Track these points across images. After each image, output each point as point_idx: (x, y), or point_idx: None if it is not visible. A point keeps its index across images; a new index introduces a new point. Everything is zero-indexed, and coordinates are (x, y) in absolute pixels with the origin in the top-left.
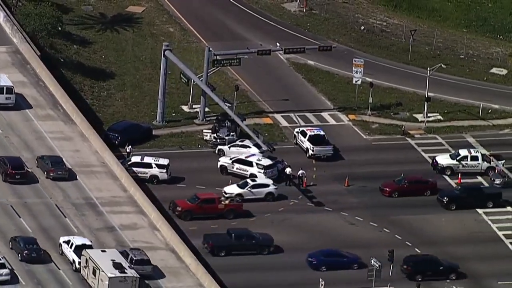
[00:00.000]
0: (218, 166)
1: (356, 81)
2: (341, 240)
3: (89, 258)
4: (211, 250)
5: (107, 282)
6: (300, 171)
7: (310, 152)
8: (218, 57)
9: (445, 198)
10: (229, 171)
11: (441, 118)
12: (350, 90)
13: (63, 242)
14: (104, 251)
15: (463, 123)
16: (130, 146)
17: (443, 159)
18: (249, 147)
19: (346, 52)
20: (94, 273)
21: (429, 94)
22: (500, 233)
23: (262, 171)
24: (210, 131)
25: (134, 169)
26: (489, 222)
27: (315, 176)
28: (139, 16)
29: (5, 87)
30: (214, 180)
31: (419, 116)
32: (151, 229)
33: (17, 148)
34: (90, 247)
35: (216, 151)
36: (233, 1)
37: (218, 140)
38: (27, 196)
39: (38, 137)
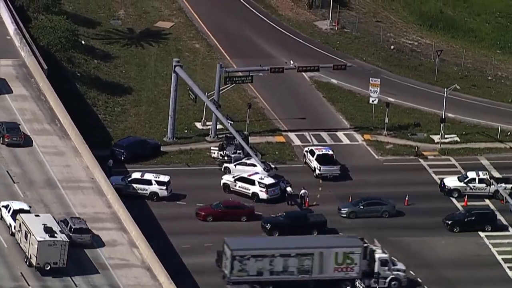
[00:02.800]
0: (221, 184)
1: (372, 101)
2: None
3: (22, 222)
4: None
5: (36, 246)
6: (302, 191)
7: (317, 171)
8: (230, 73)
9: (268, 224)
10: (231, 189)
11: (458, 140)
12: (370, 110)
13: (2, 206)
14: (38, 215)
15: (479, 145)
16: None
17: (451, 181)
18: (255, 165)
19: (372, 71)
20: (26, 237)
21: (450, 115)
22: (499, 257)
23: (264, 189)
24: (217, 148)
25: (134, 185)
26: (490, 246)
27: (319, 195)
28: (167, 31)
29: None
30: (216, 198)
31: (436, 137)
32: (129, 247)
33: (6, 162)
34: (27, 212)
35: (222, 169)
36: (265, 19)
37: (225, 158)
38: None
39: (29, 152)
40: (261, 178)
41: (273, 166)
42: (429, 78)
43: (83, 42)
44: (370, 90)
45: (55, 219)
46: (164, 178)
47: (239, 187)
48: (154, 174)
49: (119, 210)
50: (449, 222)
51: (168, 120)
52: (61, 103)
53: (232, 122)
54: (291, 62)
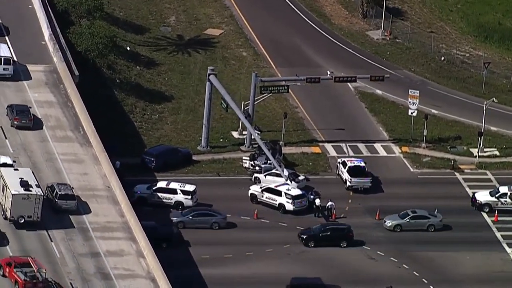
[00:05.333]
0: (249, 195)
1: (411, 113)
2: (354, 274)
3: (0, 175)
4: None
5: (11, 199)
6: (329, 203)
7: (348, 183)
8: (265, 83)
9: None
10: (259, 200)
11: (497, 154)
12: (411, 122)
13: None
14: (17, 169)
15: None
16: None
17: (482, 196)
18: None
19: (419, 82)
20: (3, 190)
21: (492, 128)
22: None
23: (290, 201)
24: (249, 158)
25: (159, 194)
26: None
27: (347, 208)
28: (216, 39)
29: (2, 58)
30: (242, 208)
31: (476, 151)
32: (136, 257)
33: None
34: (11, 165)
35: (252, 179)
36: (316, 27)
37: (256, 168)
38: None
39: (48, 159)
40: (288, 189)
41: (303, 177)
42: (477, 91)
43: (128, 48)
44: (409, 102)
45: (33, 174)
46: (190, 188)
47: (266, 197)
48: (180, 183)
49: (130, 220)
50: (304, 237)
51: (203, 129)
52: (86, 110)
53: (259, 132)
54: (328, 72)
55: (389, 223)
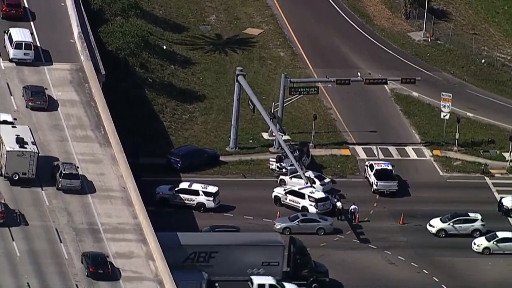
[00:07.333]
0: (272, 197)
1: (444, 116)
2: (372, 279)
3: None
4: None
5: (6, 156)
6: (352, 206)
7: (374, 186)
8: (294, 84)
9: None
10: (282, 202)
11: None
12: (445, 125)
13: None
14: (15, 127)
15: None
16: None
17: (509, 201)
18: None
19: (457, 85)
20: (0, 147)
21: None
22: None
23: (314, 204)
24: (275, 160)
25: (181, 195)
26: None
27: (372, 211)
28: (254, 38)
29: (24, 43)
30: (265, 210)
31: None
32: (146, 259)
33: None
34: (11, 123)
35: (278, 181)
36: (357, 28)
37: (282, 170)
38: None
39: (66, 158)
40: (312, 192)
41: (328, 179)
42: None
43: (164, 47)
44: (441, 105)
45: (31, 132)
46: (212, 189)
47: (289, 200)
48: (202, 185)
49: (143, 222)
50: None
51: (231, 130)
52: (108, 110)
53: (283, 134)
54: (358, 74)
55: (278, 225)
